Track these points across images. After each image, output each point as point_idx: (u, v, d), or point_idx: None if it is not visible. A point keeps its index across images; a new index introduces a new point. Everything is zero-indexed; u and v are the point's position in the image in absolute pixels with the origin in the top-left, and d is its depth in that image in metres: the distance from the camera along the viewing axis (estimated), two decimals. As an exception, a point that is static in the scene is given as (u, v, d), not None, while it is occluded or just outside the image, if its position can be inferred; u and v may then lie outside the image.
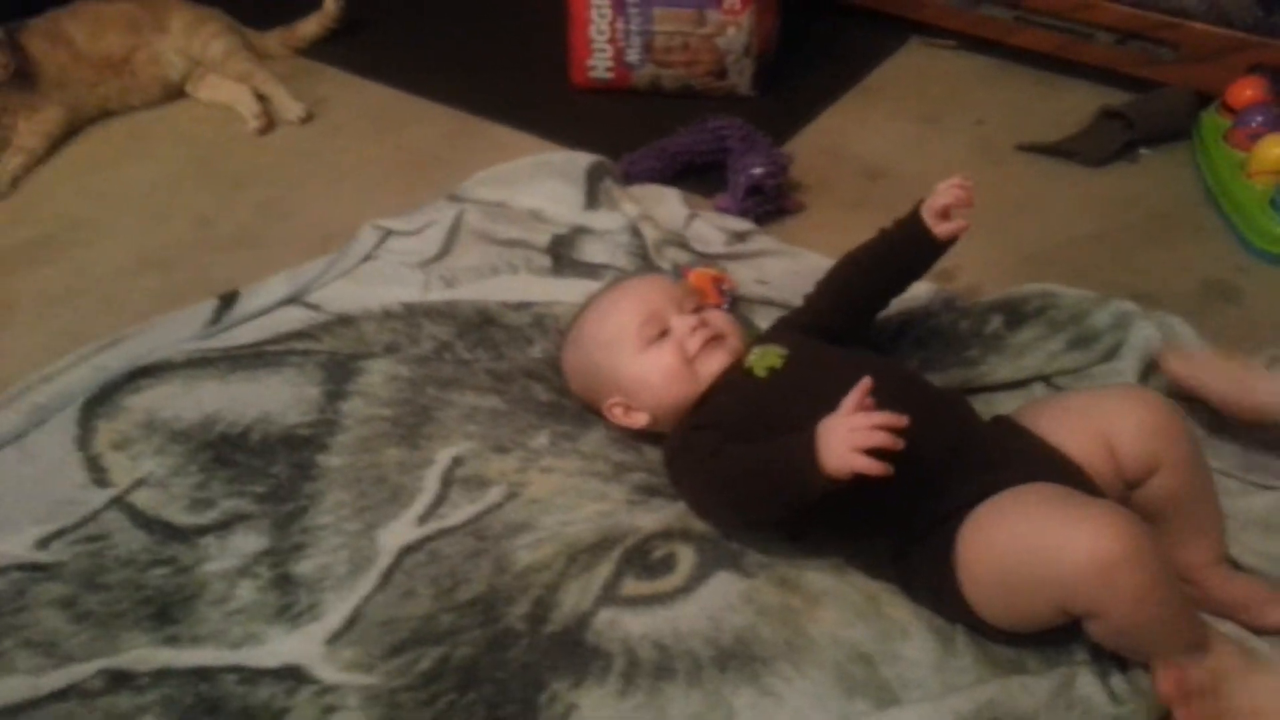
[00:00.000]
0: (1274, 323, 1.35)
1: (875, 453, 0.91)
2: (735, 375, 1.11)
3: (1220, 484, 1.07)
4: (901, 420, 0.92)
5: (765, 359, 1.10)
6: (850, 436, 0.92)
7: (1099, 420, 1.02)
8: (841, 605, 1.01)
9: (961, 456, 1.01)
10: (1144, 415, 1.01)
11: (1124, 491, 1.02)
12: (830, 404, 0.96)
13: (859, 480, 0.92)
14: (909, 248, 1.17)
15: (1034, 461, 1.00)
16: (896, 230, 1.17)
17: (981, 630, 0.97)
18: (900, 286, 1.21)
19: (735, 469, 1.03)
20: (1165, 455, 1.00)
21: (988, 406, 1.19)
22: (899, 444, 0.91)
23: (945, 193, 1.13)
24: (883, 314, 1.24)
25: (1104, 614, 0.89)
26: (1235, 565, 1.04)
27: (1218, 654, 0.92)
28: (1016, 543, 0.92)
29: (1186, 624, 0.92)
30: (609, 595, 1.02)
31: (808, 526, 1.04)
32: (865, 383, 0.95)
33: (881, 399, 0.94)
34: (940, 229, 1.14)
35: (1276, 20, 1.63)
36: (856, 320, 1.21)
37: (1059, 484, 0.96)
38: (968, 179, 1.14)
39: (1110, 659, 0.95)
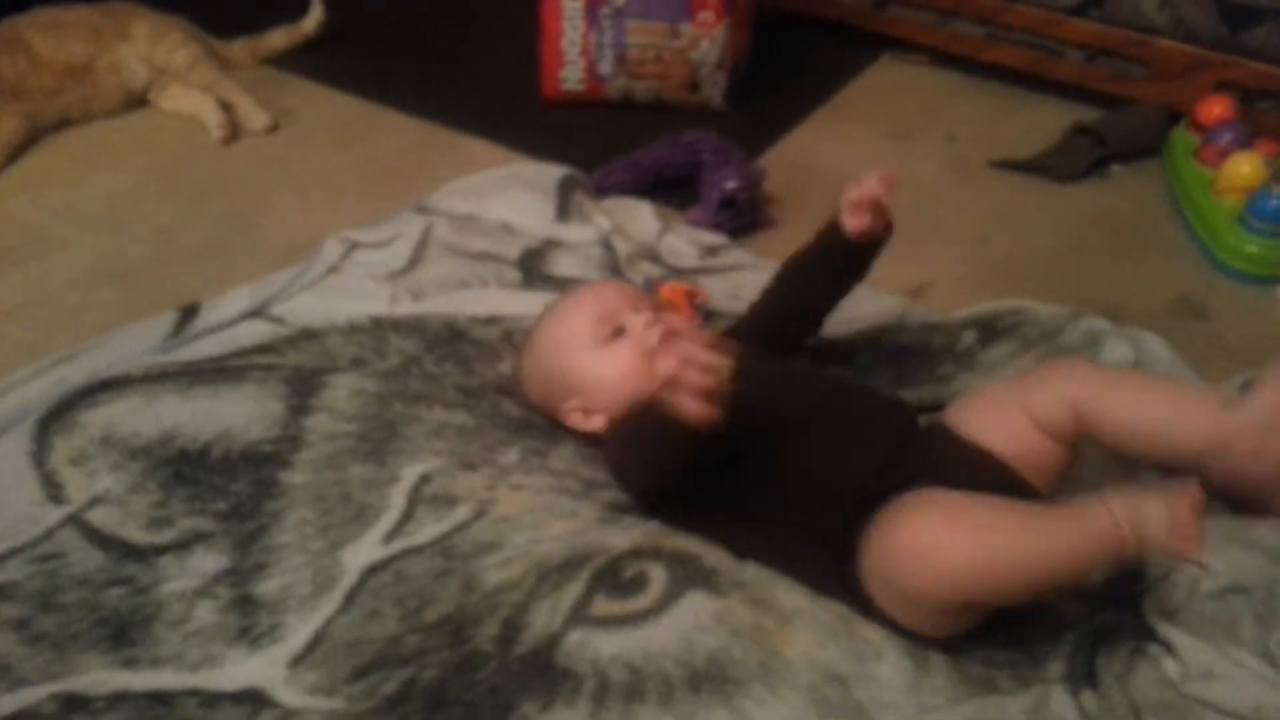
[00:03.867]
0: (1242, 339, 1.36)
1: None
2: None
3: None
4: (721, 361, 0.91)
5: None
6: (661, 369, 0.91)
7: (1015, 396, 1.05)
8: (814, 625, 1.00)
9: (891, 463, 1.02)
10: (1046, 370, 1.07)
11: (1066, 456, 1.04)
12: (770, 410, 0.99)
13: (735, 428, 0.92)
14: (833, 251, 1.16)
15: (945, 468, 1.01)
16: (821, 235, 1.17)
17: (920, 644, 0.98)
18: (837, 291, 1.20)
19: (633, 424, 1.04)
20: (1083, 395, 1.02)
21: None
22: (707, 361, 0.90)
23: (859, 188, 1.12)
24: (855, 329, 1.24)
25: (979, 601, 0.92)
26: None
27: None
28: (886, 555, 0.94)
29: (1066, 533, 0.92)
30: (579, 615, 1.01)
31: (753, 535, 1.04)
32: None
33: (819, 409, 0.97)
34: (850, 223, 1.12)
35: (1243, 39, 1.64)
36: (799, 326, 1.22)
37: (947, 489, 0.96)
38: (890, 175, 1.12)
39: (1083, 676, 0.94)
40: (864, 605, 0.99)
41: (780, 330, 1.19)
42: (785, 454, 1.03)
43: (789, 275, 1.21)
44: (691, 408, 0.90)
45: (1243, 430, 1.01)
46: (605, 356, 1.12)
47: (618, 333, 1.13)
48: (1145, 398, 1.05)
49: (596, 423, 1.13)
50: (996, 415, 1.05)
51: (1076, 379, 1.06)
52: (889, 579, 0.95)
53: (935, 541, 0.91)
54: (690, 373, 0.90)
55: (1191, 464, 1.01)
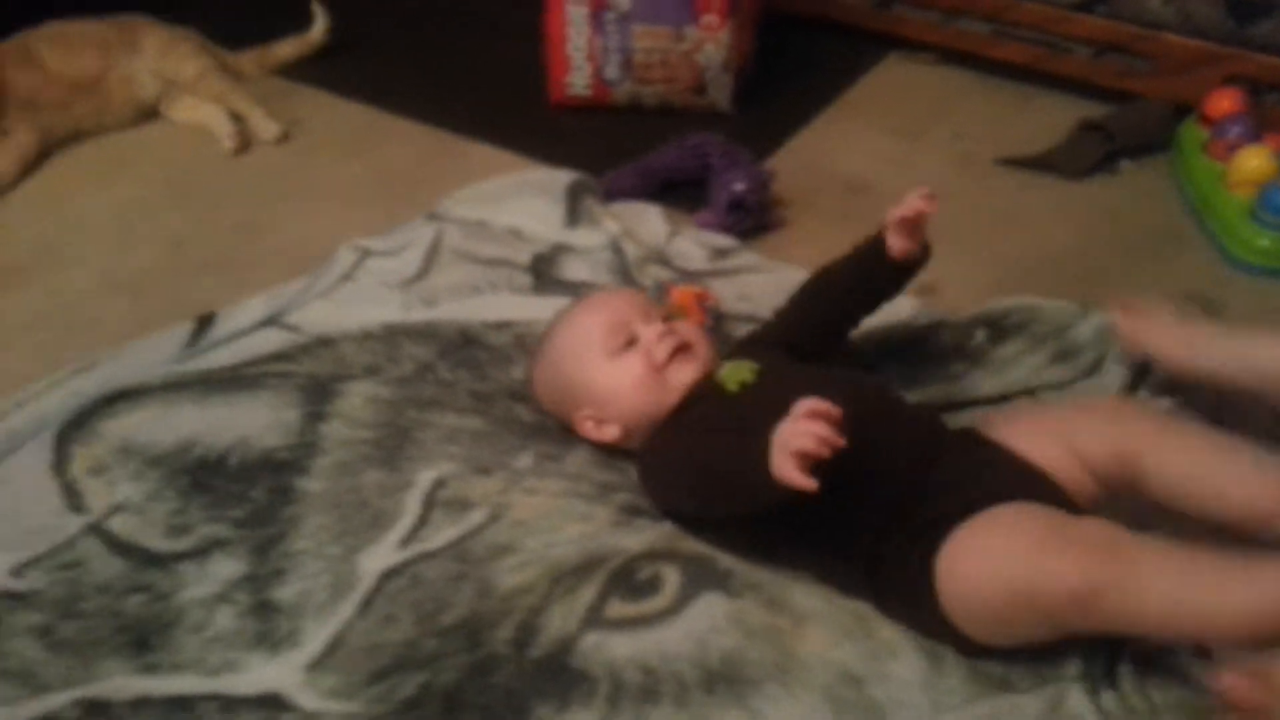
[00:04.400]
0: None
1: (824, 470, 0.89)
2: (706, 389, 1.10)
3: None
4: (838, 412, 0.90)
5: (737, 373, 1.09)
6: (790, 439, 0.89)
7: (1059, 427, 1.02)
8: (829, 625, 1.00)
9: (934, 472, 1.00)
10: (1097, 415, 1.04)
11: (1106, 499, 1.01)
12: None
13: (815, 494, 0.90)
14: (874, 268, 1.16)
15: (1008, 476, 0.99)
16: (863, 250, 1.17)
17: (963, 646, 0.96)
18: (869, 306, 1.21)
19: (698, 462, 1.03)
20: (1134, 444, 0.99)
21: (972, 422, 1.18)
22: (837, 442, 0.88)
23: (904, 206, 1.12)
24: (864, 327, 1.24)
25: (1104, 627, 0.88)
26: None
27: None
28: (1001, 572, 0.91)
29: (1243, 586, 0.85)
30: (594, 618, 1.01)
31: (777, 541, 1.03)
32: (833, 408, 0.91)
33: (850, 415, 0.92)
34: (897, 245, 1.13)
35: (1250, 32, 1.64)
36: (826, 337, 1.21)
37: (1036, 501, 0.95)
38: (933, 192, 1.11)
39: (1102, 675, 0.94)
40: (913, 614, 0.97)
41: (807, 341, 1.18)
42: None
43: (822, 288, 1.20)
44: (798, 479, 0.88)
45: None
46: (617, 367, 1.12)
47: (630, 343, 1.13)
48: (1198, 456, 0.99)
49: (609, 432, 1.13)
50: (1035, 437, 1.02)
51: (1126, 423, 1.03)
52: (998, 597, 0.91)
53: (1111, 580, 0.86)
54: (818, 446, 0.88)
55: (1244, 527, 0.96)
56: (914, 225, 1.12)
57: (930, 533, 0.96)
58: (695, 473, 1.04)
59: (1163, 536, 0.95)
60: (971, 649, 0.96)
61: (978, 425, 1.08)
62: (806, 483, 0.88)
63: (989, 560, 0.92)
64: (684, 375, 1.11)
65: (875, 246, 1.15)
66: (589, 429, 1.15)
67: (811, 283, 1.21)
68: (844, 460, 0.90)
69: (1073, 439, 1.01)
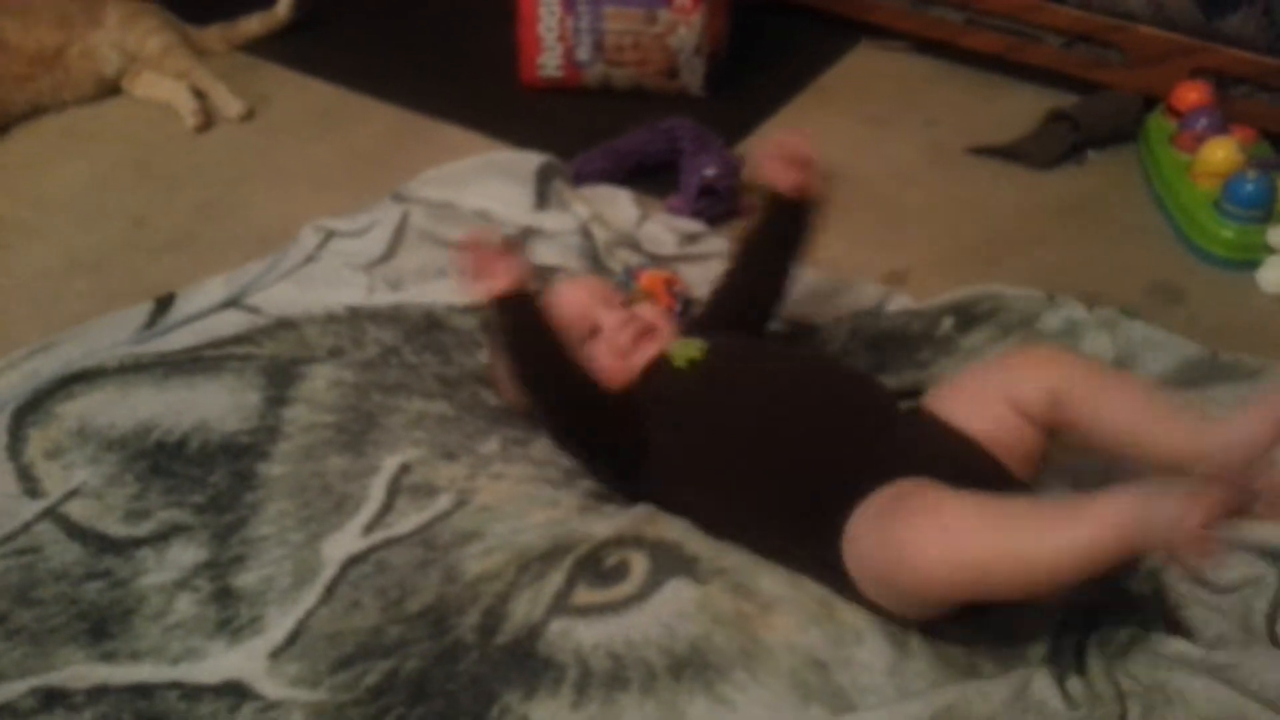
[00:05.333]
0: (1218, 323, 1.37)
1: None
2: (655, 365, 1.11)
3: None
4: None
5: (686, 350, 1.11)
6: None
7: (997, 382, 1.04)
8: (795, 611, 1.00)
9: (869, 446, 1.02)
10: (1029, 357, 1.07)
11: (1045, 443, 1.03)
12: (748, 393, 1.02)
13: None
14: (777, 218, 1.19)
15: (928, 455, 1.01)
16: (763, 206, 1.19)
17: (900, 626, 0.98)
18: (787, 259, 1.21)
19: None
20: (1066, 385, 1.01)
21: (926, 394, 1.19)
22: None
23: (775, 146, 1.16)
24: (832, 314, 1.24)
25: (990, 586, 0.91)
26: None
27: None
28: (879, 550, 0.94)
29: (1044, 556, 0.89)
30: (561, 605, 1.01)
31: (727, 520, 1.05)
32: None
33: (790, 388, 0.98)
34: (784, 180, 1.16)
35: (1218, 25, 1.65)
36: (762, 305, 1.22)
37: (931, 478, 0.96)
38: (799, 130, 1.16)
39: (1069, 661, 0.95)
40: (843, 588, 0.99)
41: (744, 310, 1.20)
42: (763, 434, 1.04)
43: (741, 253, 1.23)
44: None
45: (1225, 448, 0.95)
46: (581, 356, 1.11)
47: (594, 331, 1.13)
48: (1126, 397, 1.03)
49: None
50: (977, 401, 1.05)
51: (1058, 366, 1.05)
52: (879, 572, 0.95)
53: (932, 542, 0.90)
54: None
55: (1165, 469, 0.98)
56: (790, 158, 1.15)
57: (849, 508, 0.98)
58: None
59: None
60: (898, 621, 0.98)
61: (928, 396, 1.10)
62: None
63: (866, 537, 0.96)
64: (647, 355, 1.12)
65: (769, 198, 1.18)
66: None
67: (731, 254, 1.24)
68: (783, 431, 0.95)
69: (1009, 389, 1.03)
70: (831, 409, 1.06)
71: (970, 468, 1.00)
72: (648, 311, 1.16)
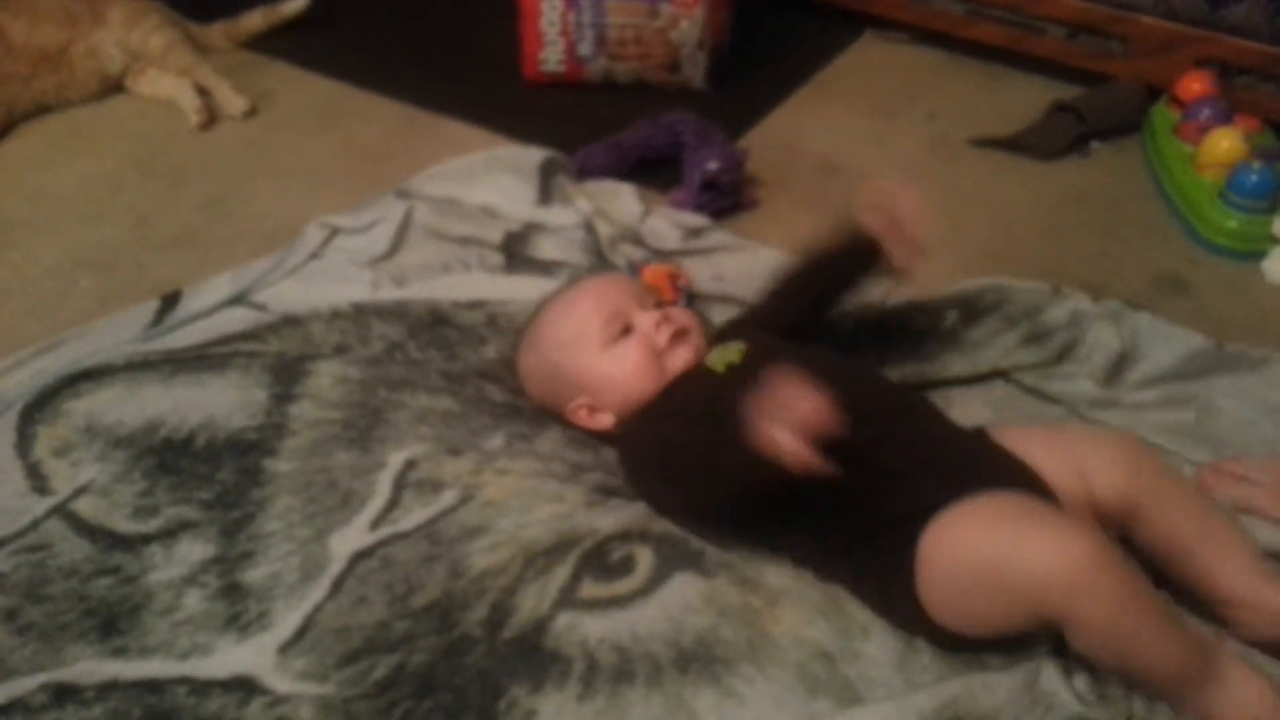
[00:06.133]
0: (1223, 314, 1.37)
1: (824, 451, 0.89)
2: (693, 372, 1.10)
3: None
4: (829, 405, 0.89)
5: (724, 355, 1.09)
6: (770, 407, 0.90)
7: (1075, 455, 0.99)
8: (802, 604, 1.00)
9: (920, 458, 1.00)
10: (1118, 454, 1.00)
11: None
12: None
13: (806, 474, 0.90)
14: (864, 262, 1.17)
15: (1005, 473, 0.99)
16: (853, 245, 1.16)
17: (929, 634, 0.96)
18: (853, 287, 1.20)
19: (687, 454, 1.01)
20: (1142, 496, 0.97)
21: (945, 402, 1.19)
22: (822, 416, 0.89)
23: (885, 209, 1.13)
24: (839, 309, 1.23)
25: (1080, 619, 0.88)
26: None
27: (1238, 685, 0.89)
28: (984, 545, 0.91)
29: (1180, 638, 0.89)
30: (567, 598, 1.01)
31: (757, 526, 1.03)
32: (816, 389, 0.91)
33: (836, 395, 0.91)
34: (894, 255, 1.14)
35: (1222, 15, 1.65)
36: (811, 317, 1.20)
37: (1029, 495, 0.95)
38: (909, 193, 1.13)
39: (1076, 655, 0.94)
40: (884, 589, 0.97)
41: (796, 318, 1.17)
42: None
43: (810, 273, 1.19)
44: (797, 453, 0.88)
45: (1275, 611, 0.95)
46: (614, 356, 1.11)
47: (626, 331, 1.12)
48: (1193, 520, 0.98)
49: (603, 420, 1.13)
50: (1049, 457, 1.00)
51: (1138, 472, 0.99)
52: (970, 583, 0.92)
53: (1081, 568, 0.86)
54: (812, 417, 0.88)
55: (1213, 605, 0.97)
56: (894, 215, 1.13)
57: (917, 517, 0.95)
58: (677, 463, 1.03)
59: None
60: (941, 638, 0.96)
61: (994, 427, 1.06)
62: (797, 449, 0.88)
63: (968, 537, 0.92)
64: (681, 360, 1.11)
65: (869, 244, 1.15)
66: (582, 417, 1.14)
67: (798, 265, 1.20)
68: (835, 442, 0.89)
69: (1083, 466, 0.99)
70: (886, 411, 1.02)
71: (1037, 493, 0.97)
72: (680, 314, 1.15)
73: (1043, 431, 1.06)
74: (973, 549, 0.92)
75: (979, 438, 1.05)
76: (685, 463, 1.02)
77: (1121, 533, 0.99)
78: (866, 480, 0.97)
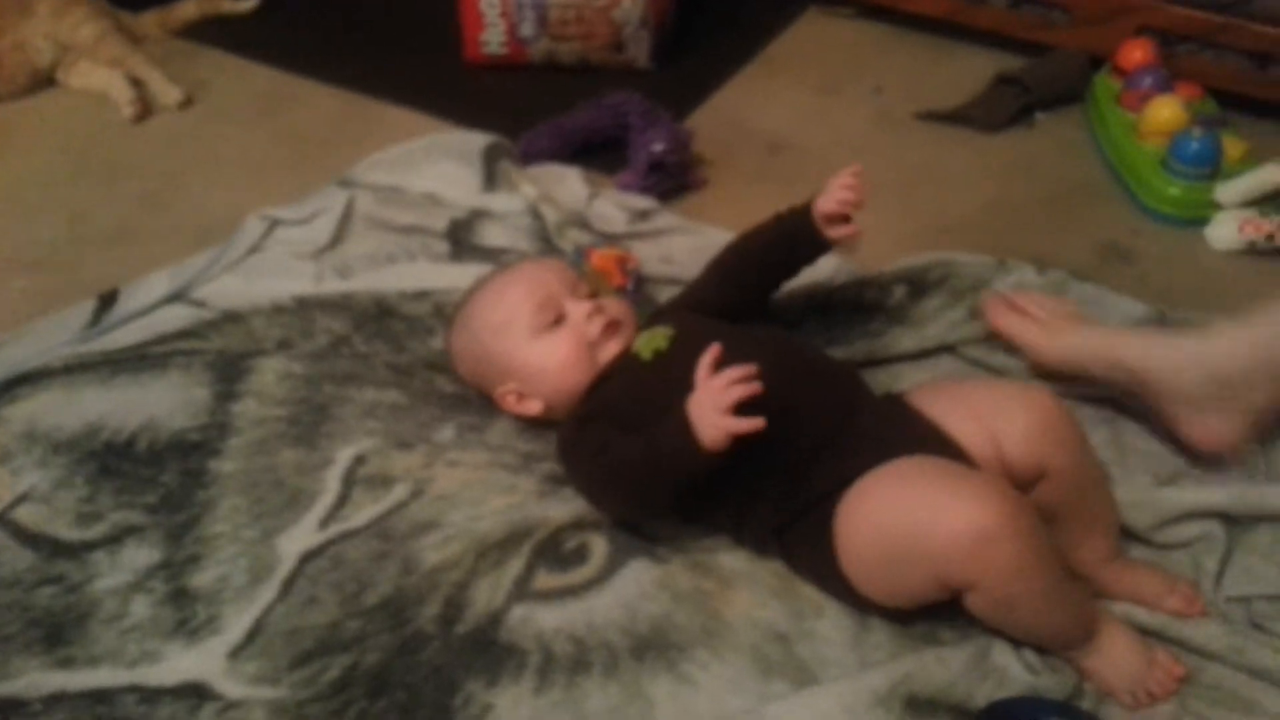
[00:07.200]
0: (1168, 281, 1.38)
1: (746, 411, 0.92)
2: (622, 360, 1.09)
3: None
4: (751, 369, 0.93)
5: (651, 341, 1.08)
6: (714, 402, 0.93)
7: (987, 418, 0.99)
8: (755, 586, 1.01)
9: (847, 431, 1.00)
10: (1032, 417, 0.99)
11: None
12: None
13: (741, 445, 0.92)
14: (800, 243, 1.16)
15: (919, 440, 0.99)
16: (789, 223, 1.16)
17: (863, 608, 0.97)
18: (791, 274, 1.20)
19: (622, 463, 1.00)
20: (1052, 460, 0.98)
21: (893, 378, 1.20)
22: (757, 389, 0.93)
23: (835, 196, 1.11)
24: (785, 287, 1.23)
25: (981, 586, 0.89)
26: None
27: (1111, 637, 0.94)
28: (893, 514, 0.92)
29: (1071, 604, 0.93)
30: (521, 591, 1.00)
31: (697, 502, 1.03)
32: (712, 350, 0.96)
33: (765, 371, 0.94)
34: (834, 233, 1.13)
35: (1162, -18, 1.65)
36: (747, 301, 1.19)
37: (941, 459, 0.95)
38: (859, 173, 1.12)
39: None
40: (815, 565, 0.98)
41: (731, 302, 1.16)
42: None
43: (748, 255, 1.18)
44: (739, 425, 0.91)
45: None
46: (546, 346, 1.10)
47: (558, 320, 1.11)
48: (1074, 491, 1.00)
49: (531, 407, 1.12)
50: (961, 419, 1.00)
51: (1050, 431, 0.99)
52: (885, 549, 0.93)
53: (986, 537, 0.87)
54: (734, 392, 0.92)
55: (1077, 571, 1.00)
56: (845, 215, 1.12)
57: (834, 489, 0.96)
58: (624, 478, 1.01)
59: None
60: (888, 613, 0.97)
61: (910, 392, 1.07)
62: (750, 424, 0.91)
63: (882, 504, 0.93)
64: (611, 351, 1.10)
65: (808, 228, 1.14)
66: (510, 403, 1.13)
67: (734, 251, 1.19)
68: (761, 415, 0.92)
69: (993, 425, 0.98)
70: (807, 387, 1.02)
71: (950, 457, 0.97)
72: (613, 305, 1.14)
73: (955, 391, 1.06)
74: (881, 519, 0.93)
75: (894, 404, 1.05)
76: (620, 470, 1.01)
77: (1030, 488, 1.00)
78: (792, 456, 0.98)
